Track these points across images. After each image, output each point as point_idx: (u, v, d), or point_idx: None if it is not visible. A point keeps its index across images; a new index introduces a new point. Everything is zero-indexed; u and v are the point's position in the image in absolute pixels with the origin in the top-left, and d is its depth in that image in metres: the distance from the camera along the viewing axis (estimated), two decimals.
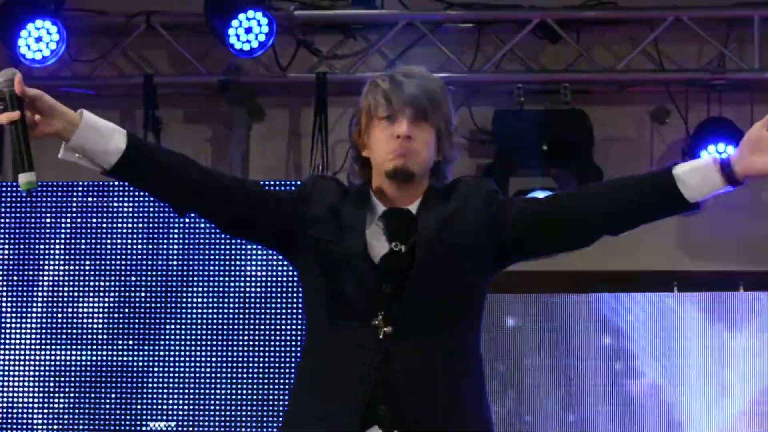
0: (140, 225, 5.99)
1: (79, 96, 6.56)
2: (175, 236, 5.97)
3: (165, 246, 5.97)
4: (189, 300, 5.92)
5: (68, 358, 5.93)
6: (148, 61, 6.87)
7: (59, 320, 5.96)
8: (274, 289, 5.87)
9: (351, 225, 3.04)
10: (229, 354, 5.86)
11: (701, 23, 6.45)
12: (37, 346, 5.95)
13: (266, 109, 6.85)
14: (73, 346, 5.94)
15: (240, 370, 5.85)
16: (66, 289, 5.98)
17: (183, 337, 5.89)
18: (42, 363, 5.94)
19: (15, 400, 5.93)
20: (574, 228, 3.06)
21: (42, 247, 6.01)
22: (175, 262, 5.95)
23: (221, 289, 5.90)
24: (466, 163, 6.43)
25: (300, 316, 5.77)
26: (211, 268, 5.93)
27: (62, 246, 6.00)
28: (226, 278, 5.91)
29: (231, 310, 5.88)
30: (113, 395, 5.91)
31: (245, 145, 6.75)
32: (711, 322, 6.12)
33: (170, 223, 5.96)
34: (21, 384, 5.95)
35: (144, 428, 5.87)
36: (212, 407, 5.85)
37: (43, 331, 5.96)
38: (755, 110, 6.29)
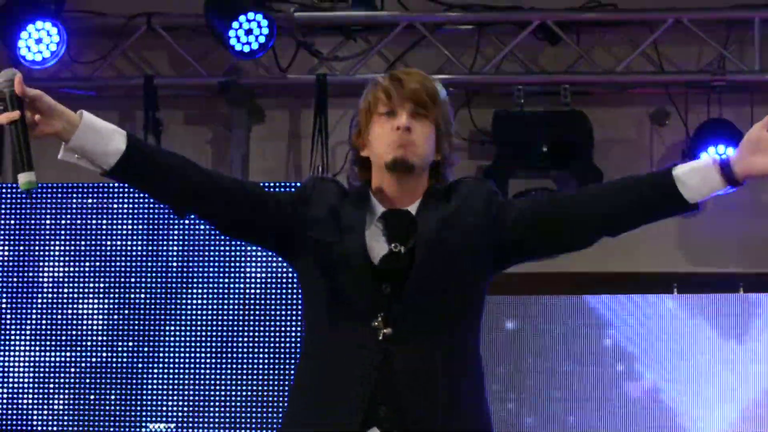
0: (140, 226, 5.98)
1: (79, 97, 6.57)
2: (175, 238, 5.96)
3: (165, 247, 5.96)
4: (188, 301, 5.91)
5: (67, 359, 5.93)
6: (149, 62, 6.87)
7: (59, 321, 5.96)
8: (273, 291, 5.87)
9: (351, 226, 3.04)
10: (229, 355, 5.86)
11: (701, 25, 6.46)
12: (37, 347, 5.95)
13: (266, 111, 6.85)
14: (73, 347, 5.93)
15: (239, 371, 5.84)
16: (65, 290, 5.98)
17: (182, 338, 5.89)
18: (41, 364, 5.94)
19: (15, 401, 5.93)
20: (573, 229, 3.06)
21: (41, 248, 6.00)
22: (174, 264, 5.95)
23: (221, 291, 5.90)
24: (465, 165, 6.43)
25: (299, 318, 5.77)
26: (211, 269, 5.92)
27: (62, 247, 6.00)
28: (226, 279, 5.91)
29: (230, 312, 5.88)
30: (113, 396, 5.90)
31: (245, 146, 6.75)
32: (711, 323, 6.12)
33: (170, 225, 5.96)
34: (20, 385, 5.94)
35: (143, 429, 5.86)
36: (212, 408, 5.85)
37: (43, 332, 5.96)
38: (755, 112, 6.29)
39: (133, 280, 5.96)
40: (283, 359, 5.82)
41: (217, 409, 5.85)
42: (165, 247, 5.97)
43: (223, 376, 5.85)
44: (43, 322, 5.97)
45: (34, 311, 5.97)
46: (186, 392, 5.86)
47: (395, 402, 2.95)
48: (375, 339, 2.97)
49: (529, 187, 6.29)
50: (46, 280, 5.99)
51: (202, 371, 5.87)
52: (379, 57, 6.66)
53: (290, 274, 5.81)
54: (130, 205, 5.99)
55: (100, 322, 5.95)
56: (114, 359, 5.92)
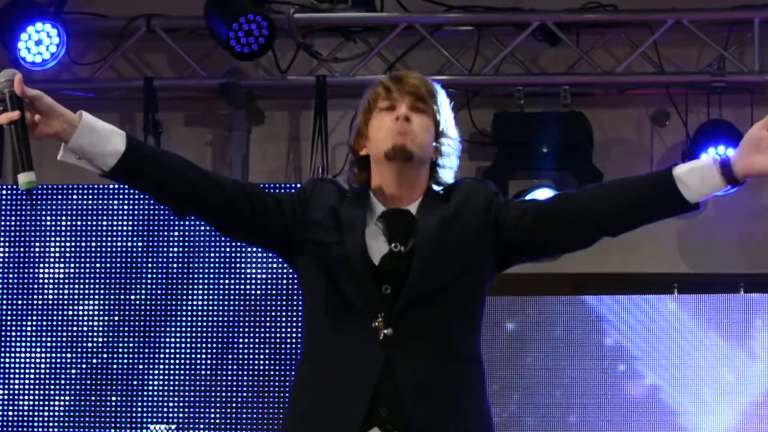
0: (140, 227, 5.98)
1: (79, 99, 6.56)
2: (175, 238, 5.96)
3: (165, 248, 5.96)
4: (189, 302, 5.91)
5: (68, 360, 5.93)
6: (149, 64, 6.87)
7: (59, 322, 5.96)
8: (274, 291, 5.87)
9: (350, 226, 3.04)
10: (230, 356, 5.86)
11: (701, 26, 6.45)
12: (37, 348, 5.95)
13: (266, 112, 6.85)
14: (73, 348, 5.93)
15: (240, 372, 5.84)
16: (66, 291, 5.97)
17: (183, 339, 5.89)
18: (42, 365, 5.94)
19: (15, 401, 5.93)
20: (573, 229, 3.06)
21: (41, 248, 6.00)
22: (175, 264, 5.95)
23: (221, 291, 5.90)
24: (465, 166, 6.41)
25: (300, 318, 5.76)
26: (212, 270, 5.92)
27: (62, 248, 6.00)
28: (227, 280, 5.91)
29: (231, 312, 5.88)
30: (114, 397, 5.90)
31: (245, 148, 6.74)
32: (711, 324, 6.12)
33: (170, 226, 5.96)
34: (21, 386, 5.94)
35: (145, 430, 5.86)
36: (213, 409, 5.85)
37: (43, 332, 5.96)
38: (755, 112, 6.28)
39: (133, 280, 5.96)
40: (284, 360, 5.82)
41: (218, 410, 5.84)
42: (165, 248, 5.97)
43: (224, 377, 5.85)
44: (44, 322, 5.97)
45: (34, 312, 5.97)
46: (187, 393, 5.85)
47: (396, 403, 2.95)
48: (375, 339, 2.97)
49: (529, 189, 6.29)
50: (46, 280, 5.99)
51: (203, 372, 5.86)
52: (379, 58, 6.66)
53: (291, 275, 5.81)
54: (130, 206, 5.99)
55: (101, 323, 5.95)
56: (115, 360, 5.92)
